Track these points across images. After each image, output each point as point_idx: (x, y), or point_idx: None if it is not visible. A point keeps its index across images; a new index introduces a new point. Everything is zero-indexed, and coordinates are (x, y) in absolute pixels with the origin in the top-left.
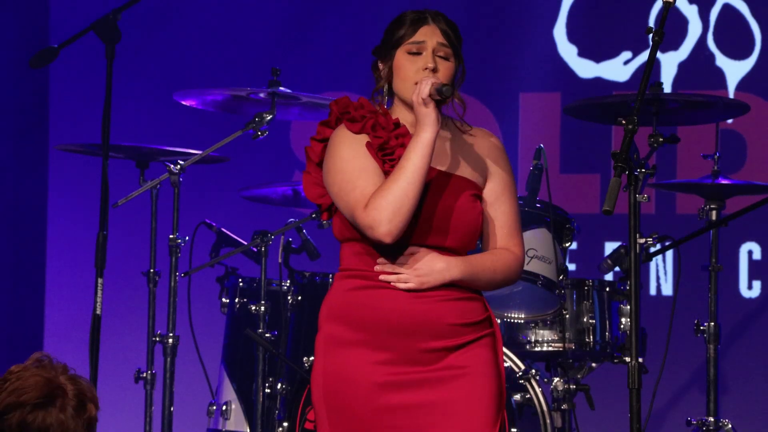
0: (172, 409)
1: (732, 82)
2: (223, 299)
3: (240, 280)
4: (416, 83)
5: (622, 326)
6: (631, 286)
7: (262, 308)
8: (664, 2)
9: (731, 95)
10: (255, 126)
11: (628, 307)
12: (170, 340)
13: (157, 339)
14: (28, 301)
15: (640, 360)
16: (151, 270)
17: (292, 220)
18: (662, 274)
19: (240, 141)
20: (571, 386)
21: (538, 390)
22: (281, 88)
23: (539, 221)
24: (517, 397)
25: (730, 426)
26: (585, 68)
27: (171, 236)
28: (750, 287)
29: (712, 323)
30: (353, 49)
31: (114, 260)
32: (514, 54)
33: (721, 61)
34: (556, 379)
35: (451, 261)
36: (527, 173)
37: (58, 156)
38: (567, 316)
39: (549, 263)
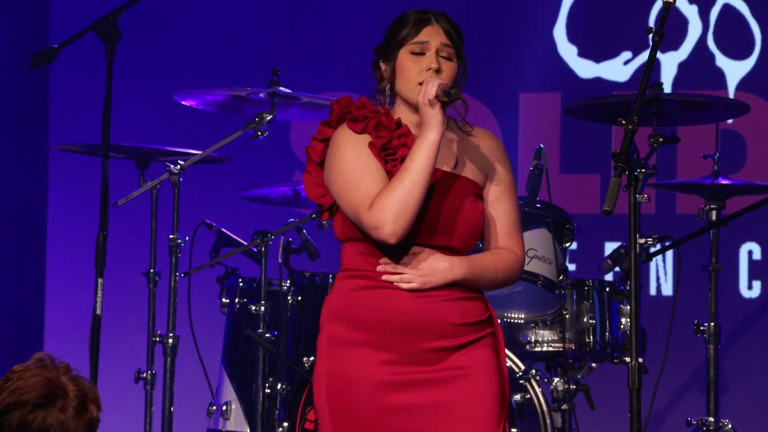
0: (172, 409)
1: (732, 82)
2: (223, 299)
3: (240, 280)
4: (420, 83)
5: (622, 326)
6: (631, 286)
7: (262, 308)
8: (664, 2)
9: (731, 95)
10: (255, 126)
11: (628, 307)
12: (170, 340)
13: (157, 339)
14: (28, 301)
15: (640, 360)
16: (151, 270)
17: (292, 220)
18: (662, 274)
19: (240, 141)
20: (571, 386)
21: (538, 390)
22: (281, 88)
23: (539, 221)
24: (517, 397)
25: (730, 426)
26: (585, 68)
27: (171, 236)
28: (750, 287)
29: (712, 323)
30: (353, 49)
31: (114, 260)
32: (514, 54)
33: (721, 61)
34: (556, 380)
35: (454, 261)
36: (527, 173)
37: (58, 156)
38: (567, 316)
39: (549, 263)
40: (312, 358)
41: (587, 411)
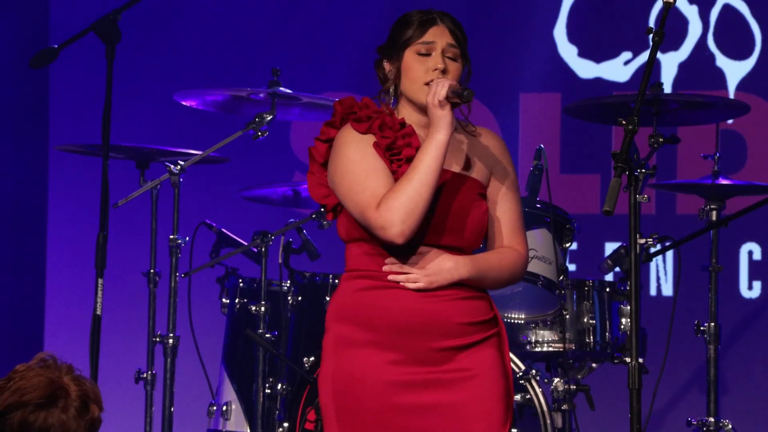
0: (172, 409)
1: (732, 83)
2: (224, 300)
3: (240, 280)
4: (426, 84)
5: (622, 326)
6: (631, 287)
7: (263, 309)
8: (664, 2)
9: (731, 95)
10: (255, 126)
11: (629, 307)
12: (170, 341)
13: (158, 339)
14: (28, 302)
15: (641, 360)
16: (152, 270)
17: (292, 220)
18: (662, 275)
19: (240, 141)
20: (572, 387)
21: (538, 390)
22: (281, 89)
23: (539, 221)
24: (518, 397)
25: (730, 426)
26: (585, 68)
27: (171, 236)
28: (750, 288)
29: (713, 323)
30: (353, 49)
31: (114, 260)
32: (514, 54)
33: (721, 61)
34: (556, 380)
35: (459, 260)
36: (527, 173)
37: (58, 156)
38: (567, 316)
39: (549, 263)
40: (312, 359)
41: (587, 411)
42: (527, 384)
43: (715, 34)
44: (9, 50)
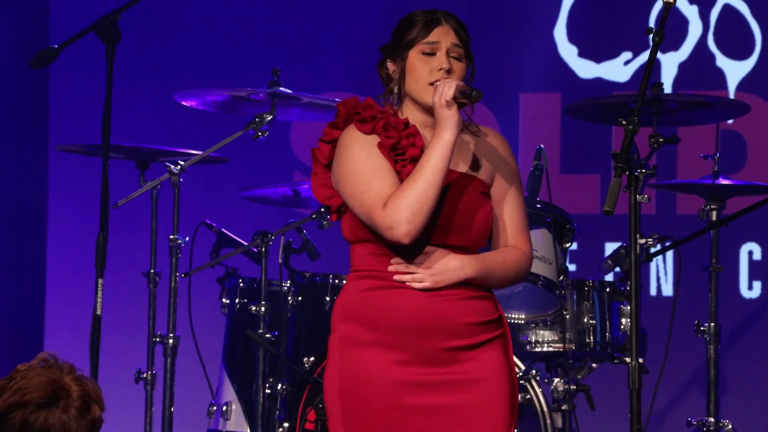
0: (172, 409)
1: (732, 83)
2: (224, 300)
3: (240, 280)
4: (430, 84)
5: (622, 327)
6: (631, 287)
7: (263, 309)
8: (664, 2)
9: (731, 95)
10: (255, 126)
11: (629, 307)
12: (170, 341)
13: (158, 339)
14: (28, 302)
15: (641, 360)
16: (152, 270)
17: (292, 220)
18: (662, 275)
19: (240, 141)
20: (572, 387)
21: (538, 390)
22: (281, 89)
23: (539, 221)
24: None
25: (730, 426)
26: (585, 68)
27: (171, 237)
28: (750, 288)
29: (713, 324)
30: (353, 49)
31: (114, 261)
32: (514, 54)
33: (722, 61)
34: (556, 380)
35: (465, 259)
36: (527, 173)
37: (58, 156)
38: (567, 316)
39: (549, 264)
40: (312, 359)
41: (587, 411)
42: (527, 384)
43: (715, 34)
44: (9, 50)
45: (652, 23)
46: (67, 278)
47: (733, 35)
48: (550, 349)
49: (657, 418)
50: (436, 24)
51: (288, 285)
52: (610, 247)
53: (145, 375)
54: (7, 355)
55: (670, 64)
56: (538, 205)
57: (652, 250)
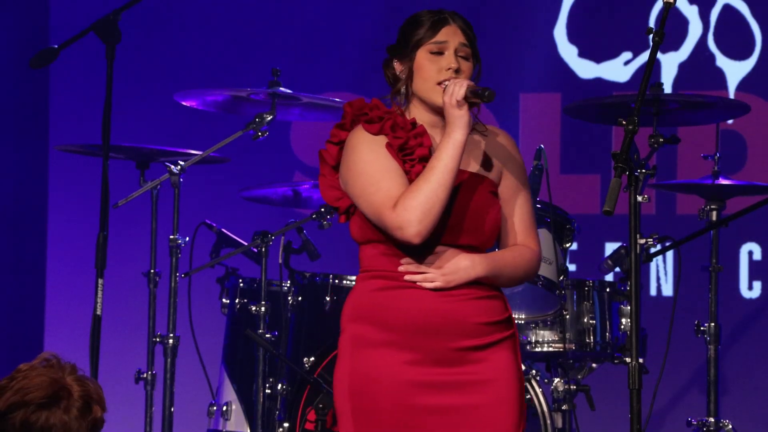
0: (172, 409)
1: (732, 83)
2: (224, 300)
3: (240, 280)
4: (439, 83)
5: (622, 327)
6: (631, 287)
7: (263, 309)
8: (664, 3)
9: (731, 96)
10: (255, 126)
11: (629, 307)
12: (170, 341)
13: (158, 339)
14: (28, 302)
15: (641, 360)
16: (152, 270)
17: (292, 220)
18: (662, 275)
19: (240, 141)
20: (572, 387)
21: (538, 390)
22: (281, 89)
23: (539, 222)
24: None
25: (730, 426)
26: (585, 69)
27: (171, 237)
28: (750, 288)
29: (713, 324)
30: (353, 49)
31: (114, 261)
32: (514, 54)
33: (722, 61)
34: (556, 380)
35: (475, 258)
36: (528, 174)
37: (58, 156)
38: (567, 316)
39: (549, 264)
40: (312, 359)
41: (587, 411)
42: (527, 384)
43: (715, 34)
44: (9, 50)
45: (652, 23)
46: (67, 278)
47: (733, 35)
48: (550, 349)
49: (657, 418)
50: (443, 24)
51: (288, 285)
52: (610, 247)
53: (145, 375)
54: (7, 355)
55: (670, 64)
56: (538, 205)
57: (652, 250)
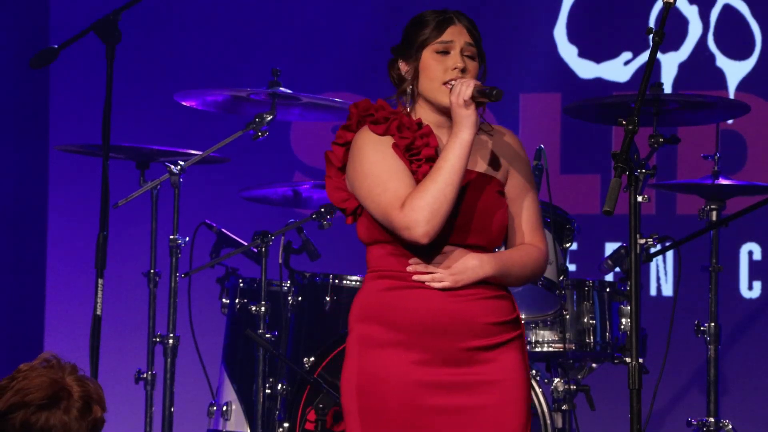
0: (172, 409)
1: (732, 83)
2: (224, 300)
3: (240, 280)
4: (445, 83)
5: (622, 327)
6: (631, 287)
7: (263, 309)
8: (664, 3)
9: (731, 96)
10: (255, 126)
11: (629, 307)
12: (170, 341)
13: (158, 339)
14: (28, 302)
15: (641, 360)
16: (152, 270)
17: (292, 220)
18: (662, 275)
19: (240, 141)
20: (572, 387)
21: (538, 390)
22: (281, 89)
23: None
24: None
25: (730, 426)
26: (585, 69)
27: (171, 237)
28: (750, 288)
29: (713, 324)
30: (353, 49)
31: (114, 261)
32: (514, 54)
33: (722, 61)
34: (556, 380)
35: (484, 258)
36: None
37: (58, 156)
38: (567, 316)
39: (549, 264)
40: (312, 359)
41: (587, 411)
42: None
43: (715, 34)
44: (9, 50)
45: (652, 23)
46: (67, 278)
47: (733, 35)
48: (550, 349)
49: (657, 418)
50: (449, 23)
51: (288, 285)
52: (610, 247)
53: (145, 375)
54: (7, 355)
55: (670, 64)
56: None
57: (652, 250)
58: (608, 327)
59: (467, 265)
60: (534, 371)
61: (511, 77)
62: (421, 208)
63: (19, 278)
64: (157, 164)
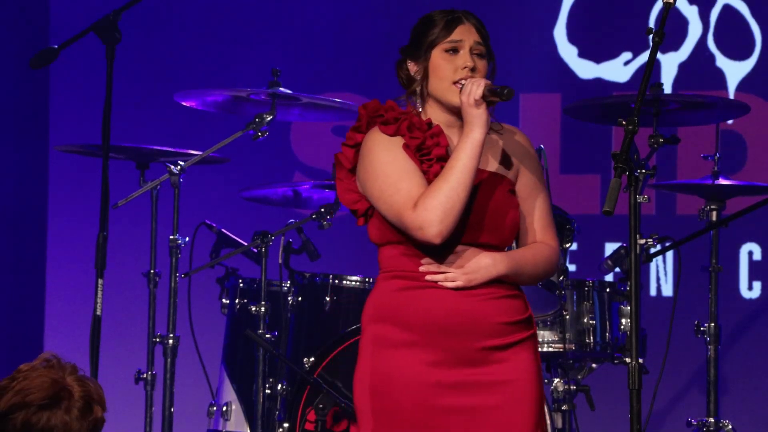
0: (172, 409)
1: (732, 83)
2: (224, 300)
3: (240, 280)
4: (454, 83)
5: (622, 327)
6: (631, 287)
7: (263, 309)
8: (664, 3)
9: (731, 96)
10: (255, 126)
11: (629, 307)
12: (170, 341)
13: (158, 340)
14: (28, 302)
15: (641, 361)
16: (152, 271)
17: (292, 220)
18: (662, 275)
19: (240, 141)
20: (572, 387)
21: None
22: (281, 89)
23: None
24: None
25: (730, 427)
26: (585, 69)
27: (171, 237)
28: (750, 288)
29: (713, 324)
30: (353, 49)
31: (114, 261)
32: (514, 54)
33: (722, 61)
34: (556, 380)
35: (496, 256)
36: None
37: (58, 156)
38: (567, 316)
39: None
40: (312, 359)
41: (587, 411)
42: None
43: (715, 35)
44: (9, 50)
45: (652, 23)
46: (67, 278)
47: (733, 35)
48: (550, 349)
49: (657, 418)
50: (457, 23)
51: (288, 285)
52: (610, 247)
53: (145, 375)
54: (7, 355)
55: (670, 64)
56: None
57: (652, 250)
58: (608, 327)
59: (480, 264)
60: None
61: (511, 77)
62: (434, 208)
63: (19, 278)
64: (157, 164)
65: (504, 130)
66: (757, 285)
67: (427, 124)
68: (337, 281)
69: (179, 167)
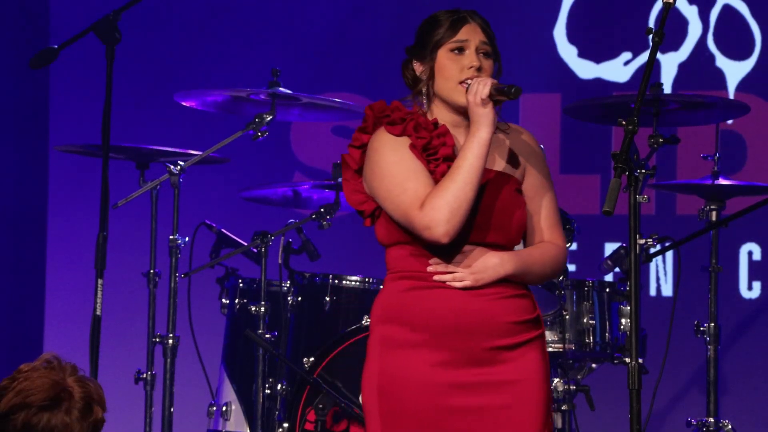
0: (172, 409)
1: (732, 83)
2: (223, 300)
3: (240, 280)
4: (461, 83)
5: (622, 327)
6: (631, 287)
7: (262, 309)
8: (664, 3)
9: (731, 96)
10: (255, 127)
11: (628, 307)
12: (170, 341)
13: (157, 340)
14: (28, 302)
15: (640, 361)
16: (151, 271)
17: (292, 220)
18: (662, 275)
19: (240, 142)
20: (571, 387)
21: None
22: (281, 89)
23: None
24: None
25: (730, 427)
26: (585, 69)
27: (171, 237)
28: (750, 288)
29: (712, 324)
30: (353, 49)
31: (114, 261)
32: (514, 54)
33: (721, 61)
34: (556, 380)
35: (504, 256)
36: None
37: (58, 156)
38: (567, 316)
39: None
40: (312, 359)
41: (587, 412)
42: None
43: (715, 35)
44: (9, 50)
45: (652, 23)
46: (67, 278)
47: (733, 35)
48: (550, 349)
49: (657, 418)
50: (463, 23)
51: (288, 285)
52: (610, 247)
53: (144, 375)
54: (7, 355)
55: (670, 64)
56: None
57: (652, 250)
58: (608, 327)
59: (488, 264)
60: None
61: (511, 77)
62: (441, 207)
63: (19, 278)
64: (157, 164)
65: (511, 130)
66: (757, 285)
67: (433, 124)
68: (336, 281)
69: (179, 167)
